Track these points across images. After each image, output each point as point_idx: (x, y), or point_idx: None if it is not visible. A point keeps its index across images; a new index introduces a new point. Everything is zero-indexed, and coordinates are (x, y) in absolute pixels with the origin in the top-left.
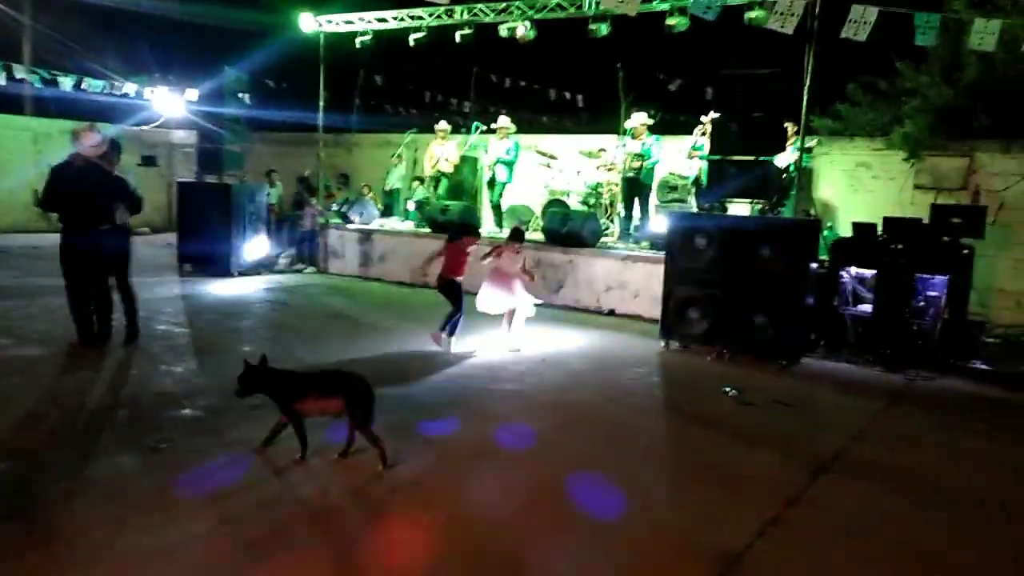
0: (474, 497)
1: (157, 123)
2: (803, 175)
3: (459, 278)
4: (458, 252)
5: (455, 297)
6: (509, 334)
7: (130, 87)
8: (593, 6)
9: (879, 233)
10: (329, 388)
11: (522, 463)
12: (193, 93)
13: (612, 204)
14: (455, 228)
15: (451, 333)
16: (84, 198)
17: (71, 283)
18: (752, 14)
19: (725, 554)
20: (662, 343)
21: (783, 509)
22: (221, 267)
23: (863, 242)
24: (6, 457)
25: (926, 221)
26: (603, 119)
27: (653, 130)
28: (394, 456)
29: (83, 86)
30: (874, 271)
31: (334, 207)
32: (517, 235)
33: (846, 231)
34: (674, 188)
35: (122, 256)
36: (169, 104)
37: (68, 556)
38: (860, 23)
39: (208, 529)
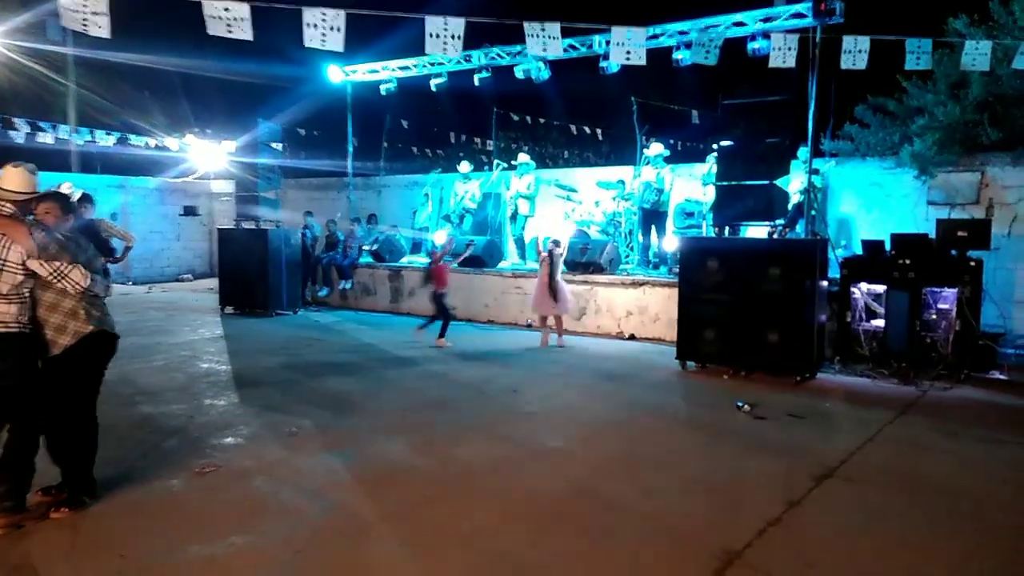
0: (503, 486)
1: (197, 174)
2: (816, 196)
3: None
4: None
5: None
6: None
7: (171, 142)
8: (603, 45)
9: (887, 250)
10: None
11: (544, 466)
12: (230, 145)
13: (631, 232)
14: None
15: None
16: None
17: None
18: (756, 44)
19: (726, 551)
20: (679, 364)
21: (784, 510)
22: (260, 307)
23: (872, 259)
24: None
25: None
26: (623, 150)
27: (668, 160)
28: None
29: (125, 142)
30: (884, 287)
31: (365, 246)
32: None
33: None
34: (691, 214)
35: None
36: (208, 156)
37: (123, 564)
38: (855, 53)
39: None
